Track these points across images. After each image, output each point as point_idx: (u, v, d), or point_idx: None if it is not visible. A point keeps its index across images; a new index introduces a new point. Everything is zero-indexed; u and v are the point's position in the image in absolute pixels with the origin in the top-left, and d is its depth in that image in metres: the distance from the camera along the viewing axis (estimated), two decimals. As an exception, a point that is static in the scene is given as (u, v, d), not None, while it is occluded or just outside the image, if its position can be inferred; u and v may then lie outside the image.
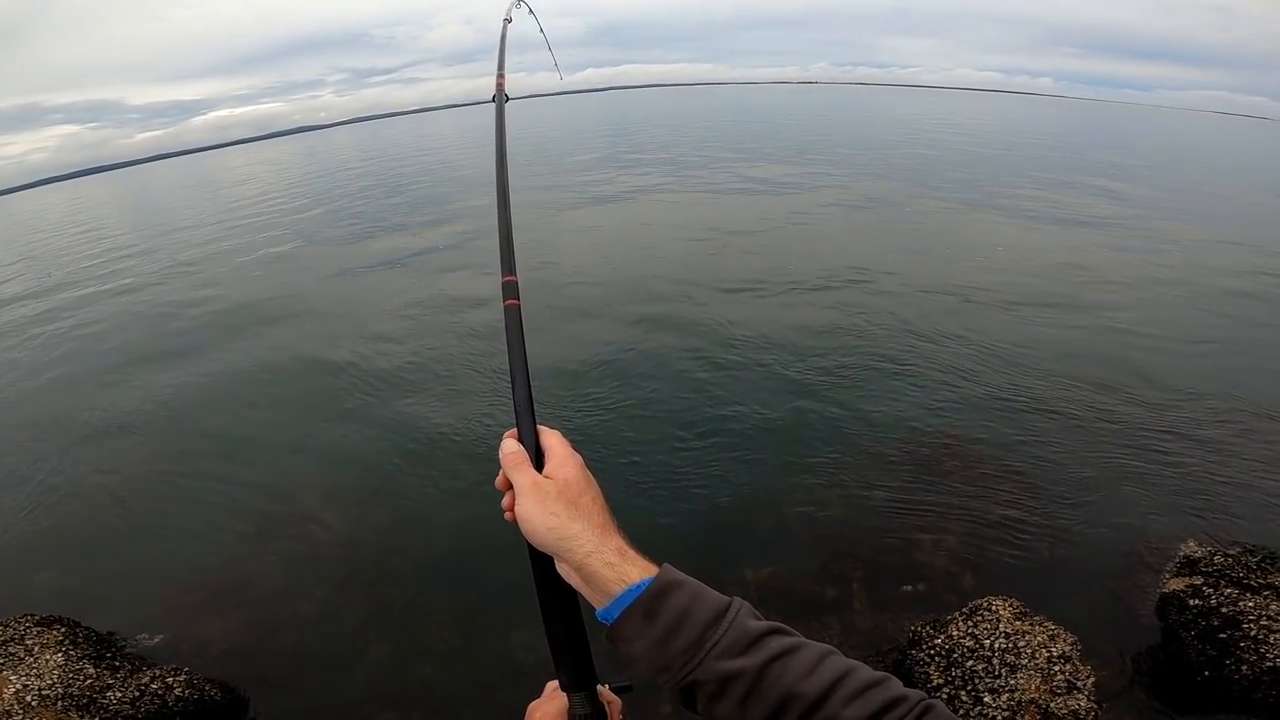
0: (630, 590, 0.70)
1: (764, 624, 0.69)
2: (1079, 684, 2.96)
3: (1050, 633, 3.20)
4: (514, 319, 0.92)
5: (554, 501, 0.75)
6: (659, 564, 0.73)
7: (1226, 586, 3.54)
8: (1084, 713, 2.86)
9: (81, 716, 3.20)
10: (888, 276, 10.12)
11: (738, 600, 0.71)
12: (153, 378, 8.43)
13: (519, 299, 0.93)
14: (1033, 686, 2.95)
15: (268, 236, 17.89)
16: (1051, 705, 2.88)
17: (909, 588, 4.19)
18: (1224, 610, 3.39)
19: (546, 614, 0.80)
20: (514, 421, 0.85)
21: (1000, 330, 8.02)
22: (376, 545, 4.97)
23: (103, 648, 3.79)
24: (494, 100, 1.25)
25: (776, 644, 0.67)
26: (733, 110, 69.19)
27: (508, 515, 0.80)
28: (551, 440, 0.83)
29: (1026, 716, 2.87)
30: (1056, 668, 3.02)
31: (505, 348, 0.89)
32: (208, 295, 12.22)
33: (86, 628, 3.90)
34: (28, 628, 3.68)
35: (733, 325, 8.39)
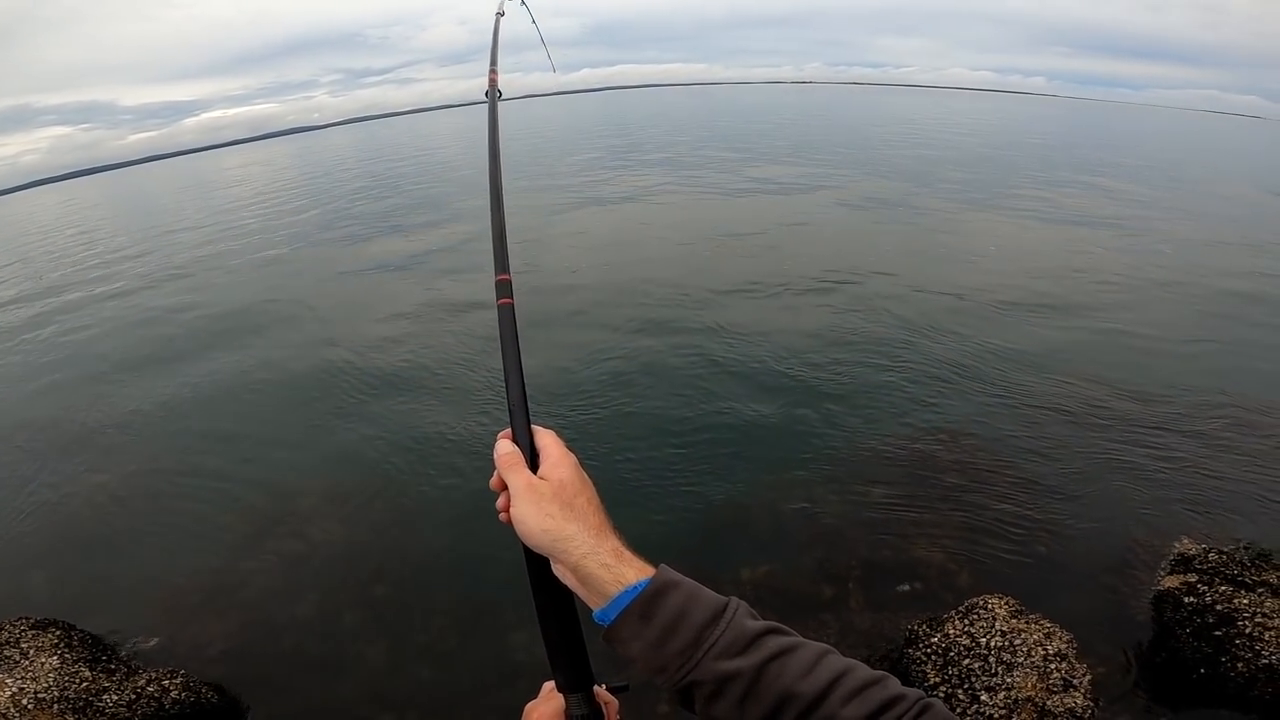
0: (627, 591, 0.70)
1: (761, 624, 0.69)
2: (1075, 682, 2.97)
3: (1046, 631, 3.21)
4: (507, 318, 0.91)
5: (549, 503, 0.75)
6: (655, 564, 0.73)
7: (1221, 584, 3.55)
8: (1080, 710, 2.87)
9: (78, 719, 3.19)
10: (885, 276, 10.15)
11: (735, 600, 0.71)
12: (148, 381, 8.40)
13: (513, 297, 0.92)
14: (1029, 684, 2.96)
15: (263, 239, 17.80)
16: (1048, 703, 2.89)
17: (905, 586, 4.20)
18: (1219, 608, 3.40)
19: (542, 615, 0.79)
20: (509, 421, 0.84)
21: (996, 329, 8.05)
22: (373, 546, 4.96)
23: (98, 650, 3.78)
24: (486, 95, 1.24)
25: (774, 644, 0.67)
26: (731, 110, 69.23)
27: (502, 516, 0.79)
28: (546, 440, 0.82)
29: (1023, 714, 2.88)
30: (1053, 666, 3.02)
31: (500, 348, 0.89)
32: (202, 299, 12.15)
33: (82, 630, 3.88)
34: (23, 631, 3.67)
35: (729, 324, 8.39)
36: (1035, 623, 3.27)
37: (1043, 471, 5.25)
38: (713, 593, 0.72)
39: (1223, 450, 5.47)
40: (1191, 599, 3.52)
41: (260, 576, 4.72)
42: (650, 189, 19.35)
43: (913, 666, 3.31)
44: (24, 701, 3.17)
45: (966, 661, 3.15)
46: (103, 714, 3.27)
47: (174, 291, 13.06)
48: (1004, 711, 2.90)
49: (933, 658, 3.27)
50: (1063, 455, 5.46)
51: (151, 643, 4.13)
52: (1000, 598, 3.48)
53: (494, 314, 0.91)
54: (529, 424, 0.83)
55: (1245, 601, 3.39)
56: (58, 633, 3.70)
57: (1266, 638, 3.21)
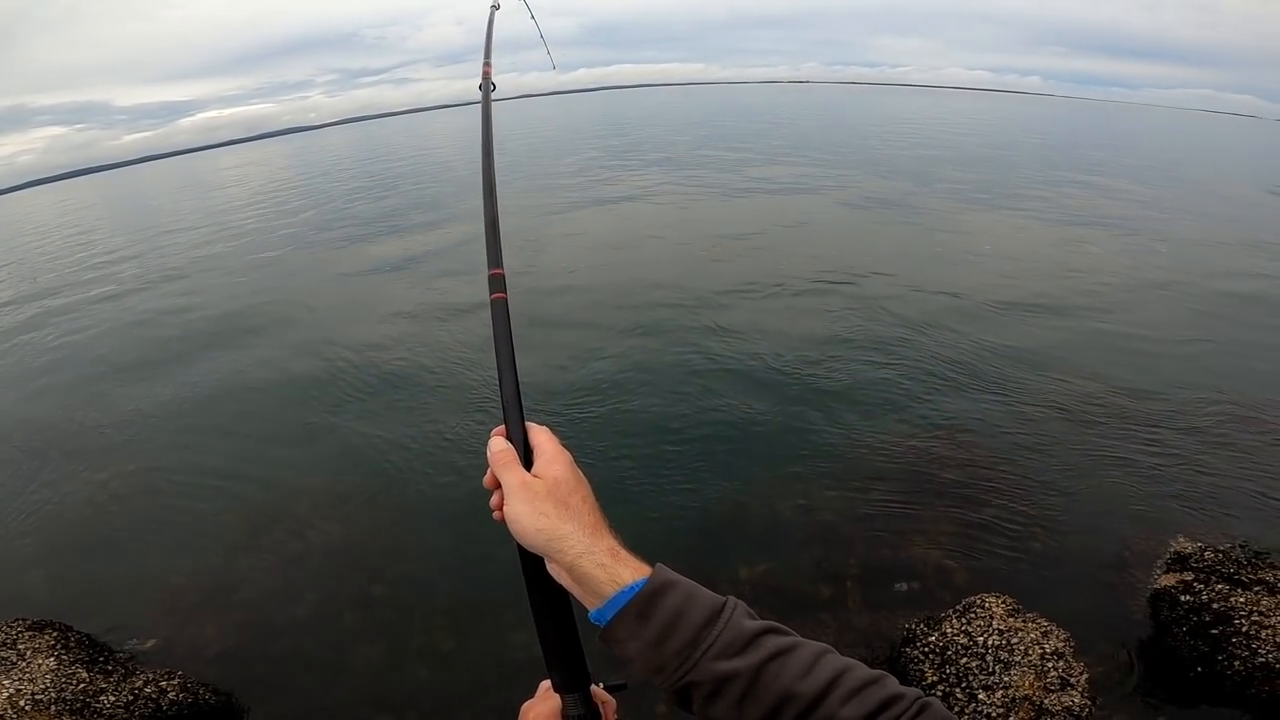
0: (623, 592, 0.69)
1: (759, 623, 0.69)
2: (1072, 680, 2.97)
3: (1043, 629, 3.22)
4: (501, 313, 0.89)
5: (543, 501, 0.74)
6: (652, 564, 0.72)
7: (1217, 582, 3.56)
8: (1078, 709, 2.88)
9: (74, 721, 3.18)
10: (883, 276, 10.14)
11: (732, 600, 0.71)
12: (145, 381, 8.37)
13: (506, 292, 0.90)
14: (1026, 683, 2.96)
15: (259, 240, 17.75)
16: (1045, 702, 2.90)
17: (903, 585, 4.20)
18: (1215, 606, 3.41)
19: (538, 615, 0.79)
20: (503, 419, 0.83)
21: (993, 328, 8.06)
22: (372, 545, 4.95)
23: (96, 652, 3.77)
24: (480, 89, 1.24)
25: (772, 643, 0.67)
26: (728, 110, 69.19)
27: (496, 515, 0.79)
28: (540, 438, 0.81)
29: (1021, 713, 2.88)
30: (1050, 664, 3.03)
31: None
32: (199, 300, 12.11)
33: (79, 632, 3.87)
34: (20, 632, 3.66)
35: (727, 323, 8.39)
36: (1032, 621, 3.28)
37: (1039, 468, 5.25)
38: (710, 592, 0.71)
39: (1219, 447, 5.49)
40: (1188, 597, 3.53)
41: (258, 576, 4.71)
42: (648, 189, 19.32)
43: (910, 665, 3.32)
44: (21, 703, 3.16)
45: (964, 660, 3.16)
46: (100, 715, 3.26)
47: (171, 292, 13.01)
48: (1001, 710, 2.91)
49: (930, 657, 3.28)
50: (1059, 452, 5.47)
51: (149, 644, 4.12)
52: (997, 596, 3.48)
53: (488, 310, 0.89)
54: (523, 421, 0.82)
55: (1241, 600, 3.40)
56: (55, 634, 3.69)
57: (1263, 636, 3.22)
